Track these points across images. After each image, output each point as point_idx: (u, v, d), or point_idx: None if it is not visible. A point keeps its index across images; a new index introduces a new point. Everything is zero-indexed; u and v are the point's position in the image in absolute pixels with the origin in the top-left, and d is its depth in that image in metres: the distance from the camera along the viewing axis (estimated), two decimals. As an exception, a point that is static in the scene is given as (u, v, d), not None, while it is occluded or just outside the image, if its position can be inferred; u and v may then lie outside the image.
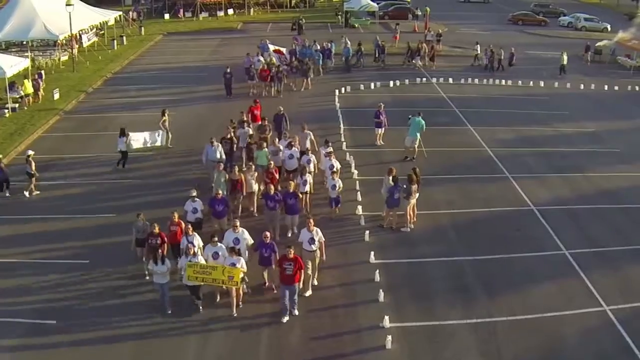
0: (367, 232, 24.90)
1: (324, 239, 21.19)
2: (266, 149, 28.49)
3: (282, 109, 33.84)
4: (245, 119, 32.74)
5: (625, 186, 30.57)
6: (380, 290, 20.97)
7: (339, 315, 20.09)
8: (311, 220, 21.18)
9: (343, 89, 45.85)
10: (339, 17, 78.31)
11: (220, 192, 23.98)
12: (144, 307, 20.31)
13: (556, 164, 32.99)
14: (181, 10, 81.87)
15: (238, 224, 21.30)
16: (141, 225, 21.90)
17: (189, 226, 21.46)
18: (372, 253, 23.35)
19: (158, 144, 33.23)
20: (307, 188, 26.08)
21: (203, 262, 19.71)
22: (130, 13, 76.22)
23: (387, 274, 22.27)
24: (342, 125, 37.76)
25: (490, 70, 53.43)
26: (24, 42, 53.07)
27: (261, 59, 46.90)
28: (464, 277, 22.45)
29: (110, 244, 24.03)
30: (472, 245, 24.56)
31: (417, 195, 25.60)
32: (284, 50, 51.51)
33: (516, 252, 24.11)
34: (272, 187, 24.50)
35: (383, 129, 34.41)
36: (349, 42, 54.50)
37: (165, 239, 21.30)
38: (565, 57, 53.29)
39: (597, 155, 34.46)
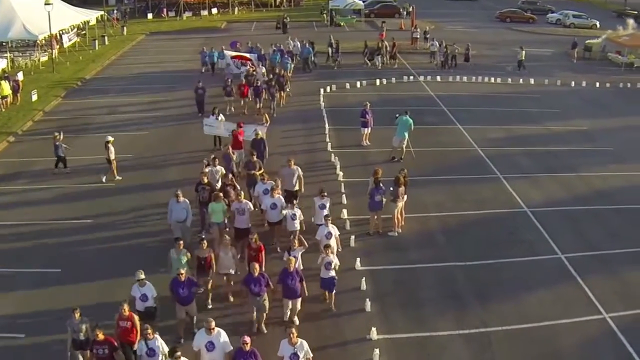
0: (353, 237, 23.75)
1: (311, 355, 16.10)
2: (223, 202, 22.46)
3: (260, 132, 28.76)
4: (229, 150, 27.42)
5: (619, 186, 29.65)
6: (367, 300, 19.88)
7: (323, 326, 18.91)
8: (293, 331, 15.86)
9: (328, 87, 44.82)
10: (325, 15, 77.61)
11: (182, 271, 18.04)
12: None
13: (549, 163, 32.02)
14: (165, 10, 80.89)
15: (213, 324, 15.96)
16: (77, 323, 16.52)
17: (148, 329, 15.87)
18: (358, 259, 22.22)
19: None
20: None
21: None
22: (115, 12, 75.52)
23: (374, 282, 21.16)
24: (327, 125, 36.69)
25: (445, 67, 52.42)
26: (3, 43, 51.99)
27: (243, 69, 42.47)
28: (455, 284, 21.35)
29: (84, 251, 23.00)
30: (462, 249, 23.47)
31: (405, 197, 24.50)
32: (250, 56, 44.82)
33: (509, 256, 23.05)
34: (256, 265, 18.44)
35: (369, 128, 33.34)
36: (298, 42, 52.58)
37: (116, 343, 16.14)
38: (523, 53, 52.53)
39: (590, 154, 33.53)
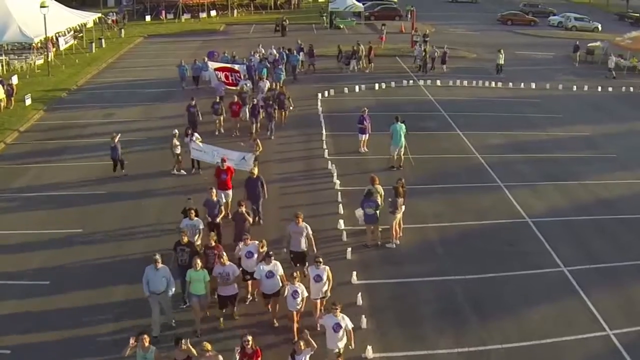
0: (350, 249, 23.04)
1: None
2: (202, 270, 18.54)
3: (255, 170, 25.24)
4: (213, 196, 22.95)
5: (624, 194, 28.97)
6: (363, 316, 19.16)
7: (316, 344, 18.21)
8: None
9: (326, 92, 44.06)
10: (324, 18, 76.97)
11: None
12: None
13: (551, 171, 31.29)
14: (163, 12, 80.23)
15: None
16: None
17: None
18: (355, 273, 21.51)
19: (245, 167, 26.56)
20: None
21: None
22: (115, 15, 75.12)
23: (370, 297, 20.48)
24: (324, 131, 36.00)
25: (423, 71, 51.15)
26: (-1, 46, 51.50)
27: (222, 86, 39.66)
28: (454, 299, 20.65)
29: (73, 262, 22.39)
30: (462, 262, 22.76)
31: (403, 208, 23.81)
32: (237, 67, 41.87)
33: (510, 270, 22.35)
34: None
35: (367, 135, 32.67)
36: (275, 50, 49.13)
37: None
38: (502, 56, 51.60)
39: (593, 161, 32.81)
